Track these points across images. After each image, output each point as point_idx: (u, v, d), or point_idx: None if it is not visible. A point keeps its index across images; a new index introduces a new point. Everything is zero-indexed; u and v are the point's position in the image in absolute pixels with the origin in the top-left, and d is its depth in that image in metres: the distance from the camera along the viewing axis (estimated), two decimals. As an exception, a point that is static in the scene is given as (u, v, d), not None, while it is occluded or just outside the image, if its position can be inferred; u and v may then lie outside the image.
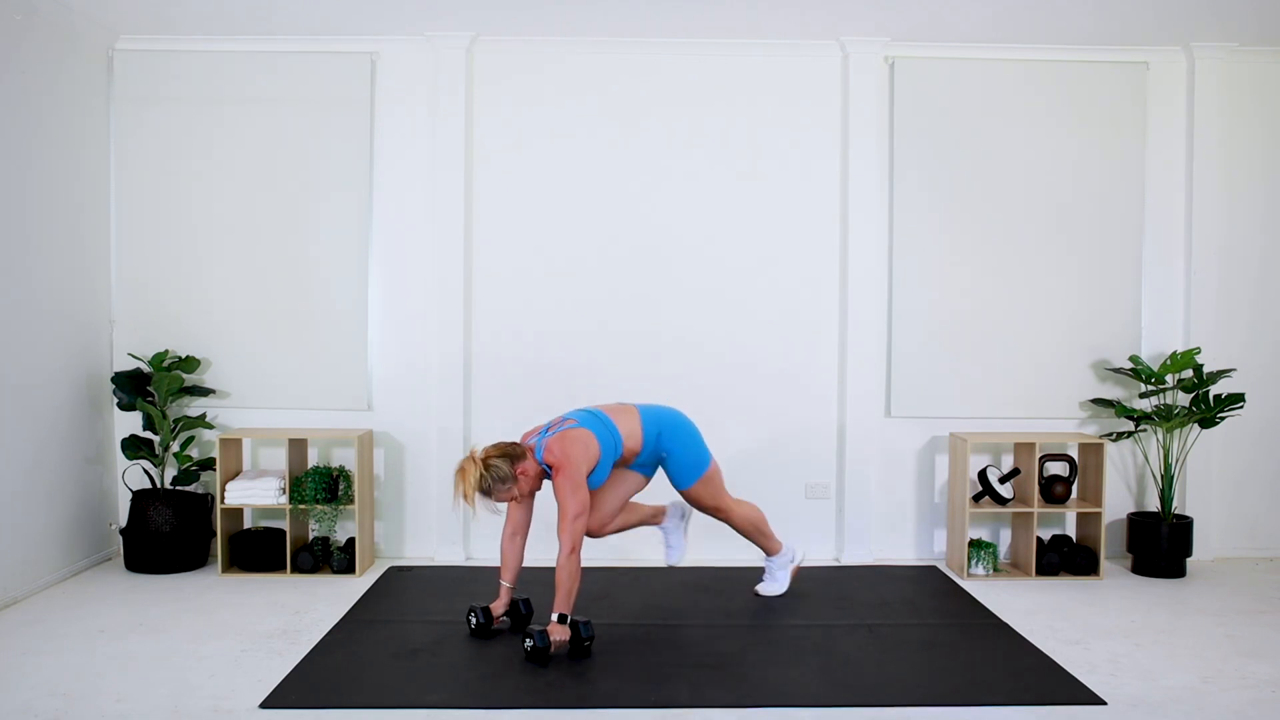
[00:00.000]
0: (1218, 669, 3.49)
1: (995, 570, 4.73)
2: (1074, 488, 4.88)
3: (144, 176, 4.95)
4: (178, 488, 4.76)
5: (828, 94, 5.01)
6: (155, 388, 4.68)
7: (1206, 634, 3.88)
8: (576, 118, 4.98)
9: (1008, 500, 4.75)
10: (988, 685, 3.31)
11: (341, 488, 4.69)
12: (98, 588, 4.42)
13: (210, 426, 4.92)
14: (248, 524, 4.94)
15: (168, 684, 3.27)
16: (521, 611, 3.90)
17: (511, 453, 3.67)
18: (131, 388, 4.76)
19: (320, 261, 4.98)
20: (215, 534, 4.72)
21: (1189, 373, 4.89)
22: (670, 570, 4.70)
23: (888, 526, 5.05)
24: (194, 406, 4.98)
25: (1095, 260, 5.03)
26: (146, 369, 4.86)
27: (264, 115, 4.95)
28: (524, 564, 3.99)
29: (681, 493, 4.05)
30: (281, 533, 4.75)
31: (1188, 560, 4.80)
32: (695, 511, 4.28)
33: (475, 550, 4.98)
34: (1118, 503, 5.05)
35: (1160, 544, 4.71)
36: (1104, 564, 4.70)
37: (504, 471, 3.62)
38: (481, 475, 3.58)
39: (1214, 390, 4.89)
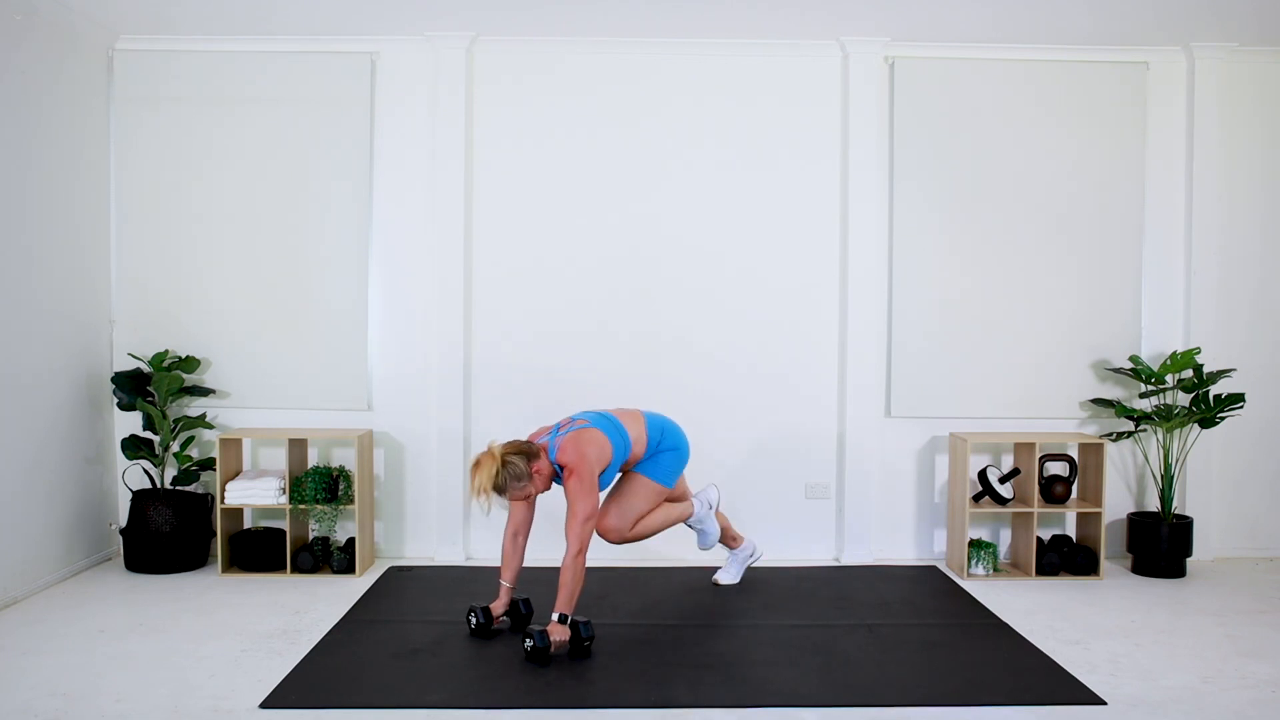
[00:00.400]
0: (1218, 669, 3.49)
1: (995, 570, 4.73)
2: (1074, 488, 4.88)
3: (144, 176, 4.95)
4: (178, 488, 4.76)
5: (828, 94, 5.01)
6: (155, 388, 4.68)
7: (1206, 634, 3.88)
8: (577, 118, 4.98)
9: (1008, 500, 4.75)
10: (988, 685, 3.31)
11: (341, 488, 4.69)
12: (98, 588, 4.42)
13: (210, 426, 4.92)
14: (248, 524, 4.94)
15: (168, 684, 3.27)
16: (521, 611, 3.90)
17: (528, 451, 3.66)
18: (131, 388, 4.76)
19: (320, 261, 4.98)
20: (215, 534, 4.72)
21: (1189, 373, 4.89)
22: (670, 570, 4.71)
23: (888, 526, 5.05)
24: (194, 406, 4.98)
25: (1095, 260, 5.03)
26: (146, 369, 4.86)
27: (264, 115, 4.95)
28: (524, 564, 3.99)
29: (635, 474, 4.00)
30: (281, 533, 4.75)
31: (1188, 560, 4.80)
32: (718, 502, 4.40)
33: (475, 550, 4.98)
34: (1118, 503, 5.05)
35: (1160, 544, 4.71)
36: (1104, 564, 4.70)
37: (521, 469, 3.61)
38: (498, 471, 3.57)
39: (1214, 390, 4.89)
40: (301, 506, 4.67)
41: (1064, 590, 4.50)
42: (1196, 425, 4.81)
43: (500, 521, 4.07)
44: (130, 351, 4.90)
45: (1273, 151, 5.06)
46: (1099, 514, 4.68)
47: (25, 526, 4.29)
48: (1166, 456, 4.78)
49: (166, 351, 4.86)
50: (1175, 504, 4.98)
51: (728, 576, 4.47)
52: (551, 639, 3.46)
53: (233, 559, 4.70)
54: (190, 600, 4.23)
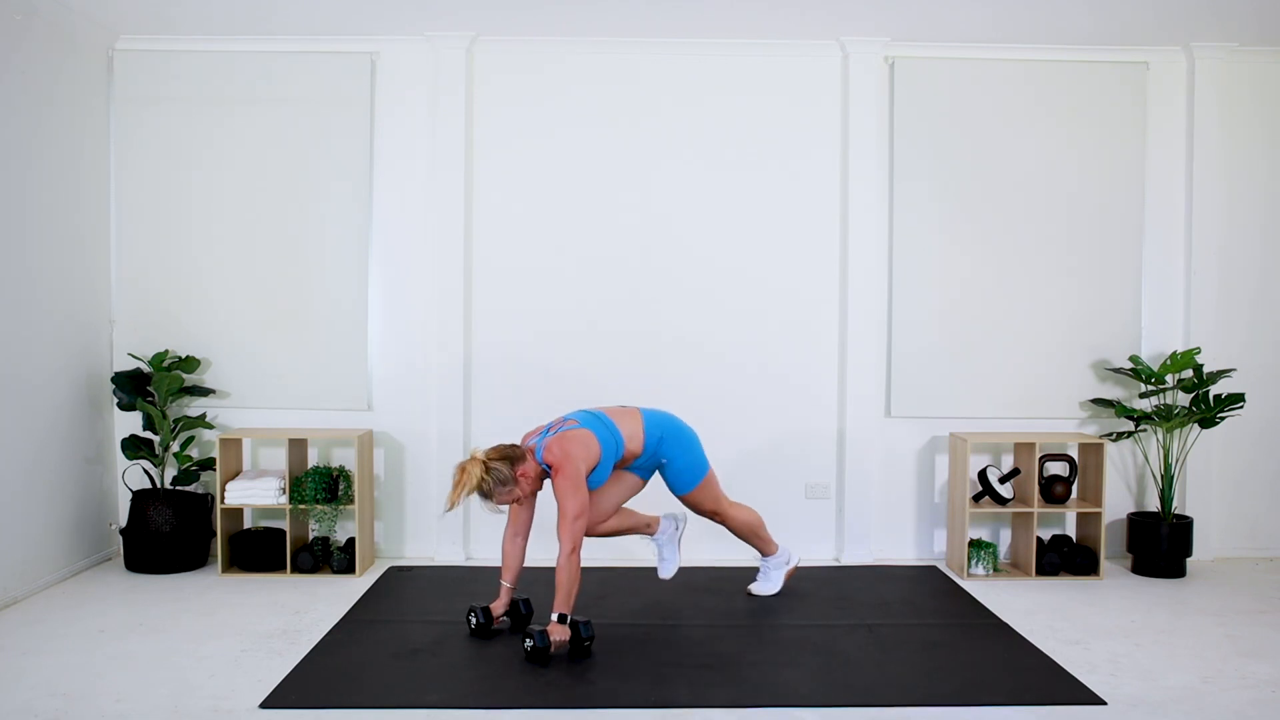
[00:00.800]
0: (1218, 669, 3.49)
1: (995, 570, 4.73)
2: (1074, 488, 4.88)
3: (144, 176, 4.95)
4: (178, 488, 4.76)
5: (828, 94, 5.01)
6: (155, 388, 4.68)
7: (1206, 634, 3.88)
8: (576, 118, 4.98)
9: (1008, 500, 4.75)
10: (988, 685, 3.31)
11: (341, 488, 4.69)
12: (98, 588, 4.42)
13: (210, 426, 4.92)
14: (248, 524, 4.94)
15: (168, 684, 3.27)
16: (521, 611, 3.90)
17: (511, 455, 3.67)
18: (131, 388, 4.76)
19: (320, 261, 4.98)
20: (215, 534, 4.72)
21: (1189, 373, 4.89)
22: (670, 570, 4.70)
23: (888, 526, 5.05)
24: (194, 406, 4.98)
25: (1095, 260, 5.03)
26: (146, 369, 4.86)
27: (264, 115, 4.95)
28: (524, 564, 3.99)
29: (680, 498, 4.05)
30: (281, 533, 4.75)
31: (1188, 560, 4.80)
32: (690, 521, 4.30)
33: (475, 550, 4.98)
34: (1118, 503, 5.05)
35: (1160, 544, 4.71)
36: (1104, 564, 4.70)
37: (504, 474, 3.62)
38: (482, 478, 3.58)
39: (1214, 390, 4.89)
40: (301, 506, 4.67)
41: (1064, 590, 4.50)
42: (1196, 425, 4.81)
43: (500, 521, 4.07)
44: (130, 351, 4.90)
45: (1273, 151, 5.06)
46: (1099, 514, 4.68)
47: (25, 526, 4.29)
48: (1166, 456, 4.78)
49: (166, 351, 4.86)
50: (1175, 504, 4.98)
51: (767, 586, 4.31)
52: (551, 639, 3.46)
53: (233, 559, 4.70)
54: (190, 600, 4.23)
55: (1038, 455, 4.67)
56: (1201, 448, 4.97)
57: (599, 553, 4.63)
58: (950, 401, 5.02)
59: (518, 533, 3.87)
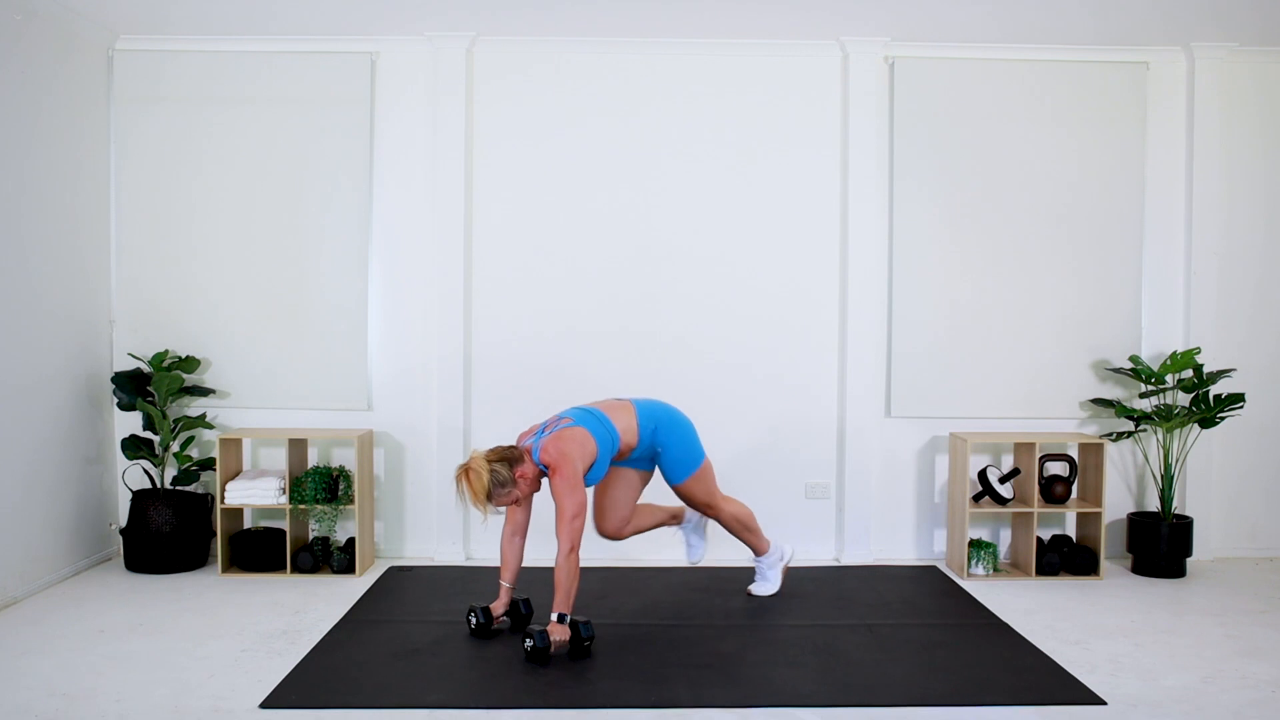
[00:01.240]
0: (1218, 669, 3.49)
1: (995, 570, 4.73)
2: (1074, 488, 4.88)
3: (144, 176, 4.95)
4: (178, 488, 4.76)
5: (828, 94, 5.01)
6: (155, 388, 4.68)
7: (1206, 634, 3.88)
8: (577, 118, 4.98)
9: (1008, 500, 4.75)
10: (988, 685, 3.31)
11: (341, 488, 4.70)
12: (98, 588, 4.42)
13: (210, 426, 4.92)
14: (248, 524, 4.94)
15: (168, 684, 3.27)
16: (521, 611, 3.90)
17: (510, 456, 3.66)
18: (131, 388, 4.76)
19: (320, 261, 4.98)
20: (215, 534, 4.72)
21: (1189, 373, 4.89)
22: (670, 570, 4.70)
23: (888, 526, 5.05)
24: (194, 406, 4.98)
25: (1095, 260, 5.03)
26: (146, 369, 4.86)
27: (264, 115, 4.95)
28: (524, 564, 3.99)
29: (674, 488, 4.04)
30: (281, 533, 4.75)
31: (1188, 560, 4.80)
32: None
33: (475, 550, 4.98)
34: (1118, 503, 5.05)
35: (1160, 544, 4.71)
36: (1104, 564, 4.70)
37: (504, 476, 3.61)
38: (488, 480, 3.57)
39: (1214, 390, 4.89)
40: (301, 506, 4.67)
41: (1064, 590, 4.50)
42: (1196, 425, 4.81)
43: (499, 521, 4.07)
44: (130, 351, 4.90)
45: (1273, 151, 5.06)
46: (1099, 514, 4.68)
47: (25, 526, 4.29)
48: (1166, 456, 4.78)
49: (166, 351, 4.86)
50: (1175, 504, 4.98)
51: (766, 586, 4.32)
52: (551, 639, 3.47)
53: (233, 559, 4.70)
54: (190, 600, 4.23)
55: (1038, 455, 4.67)
56: (1201, 448, 4.97)
57: (599, 553, 4.63)
58: (950, 401, 5.02)
59: (515, 532, 3.87)
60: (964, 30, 4.78)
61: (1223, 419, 4.76)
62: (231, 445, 4.75)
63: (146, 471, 4.80)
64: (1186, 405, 4.87)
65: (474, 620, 3.79)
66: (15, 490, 4.23)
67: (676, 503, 4.28)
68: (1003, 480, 4.75)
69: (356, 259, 4.98)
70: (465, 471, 3.60)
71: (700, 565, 4.72)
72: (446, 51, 4.88)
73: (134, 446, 4.73)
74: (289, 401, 4.98)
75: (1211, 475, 5.03)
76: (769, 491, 4.98)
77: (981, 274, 5.02)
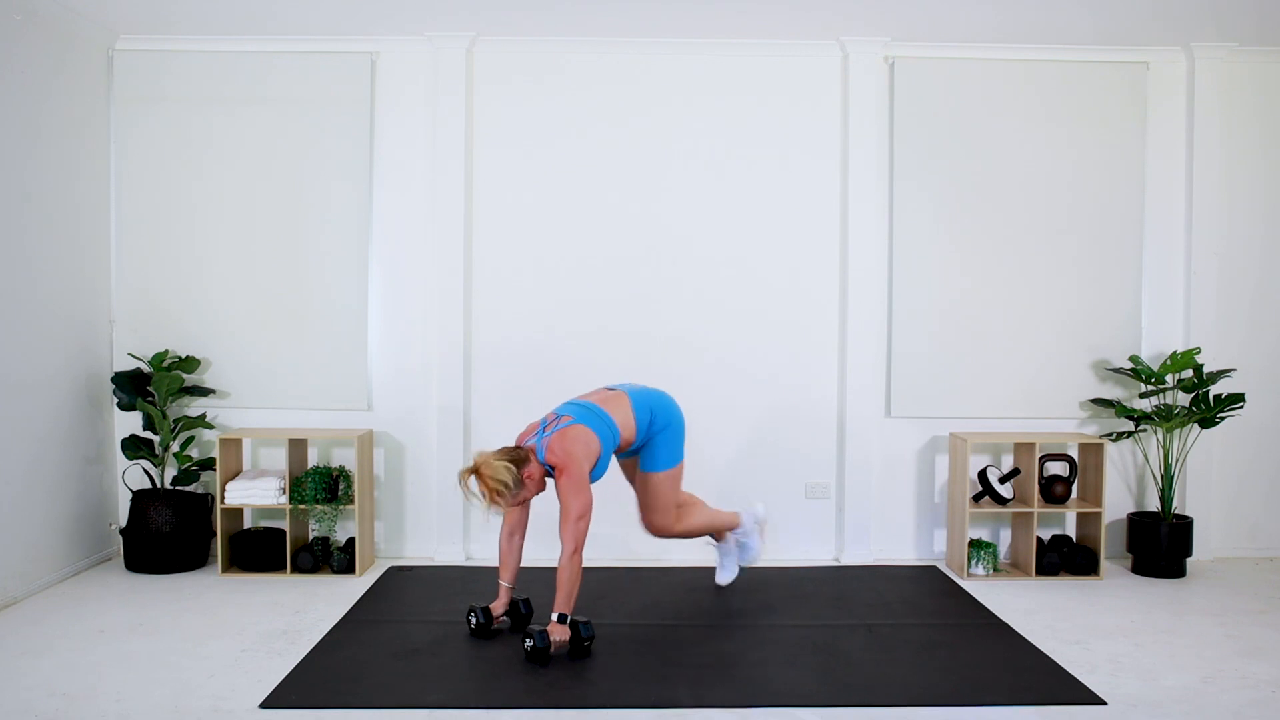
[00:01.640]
0: (1218, 669, 3.49)
1: (995, 570, 4.73)
2: (1074, 488, 4.88)
3: (144, 176, 4.95)
4: (178, 488, 4.76)
5: (828, 94, 5.01)
6: (155, 388, 4.68)
7: (1206, 634, 3.88)
8: (577, 118, 4.98)
9: (1008, 500, 4.75)
10: (988, 685, 3.31)
11: (341, 488, 4.70)
12: (98, 588, 4.42)
13: (210, 426, 4.92)
14: (248, 524, 4.94)
15: (168, 684, 3.27)
16: (521, 611, 3.90)
17: (516, 457, 3.63)
18: (131, 388, 4.76)
19: (320, 261, 4.98)
20: (215, 534, 4.72)
21: (1189, 373, 4.89)
22: (670, 570, 4.71)
23: (888, 526, 5.05)
24: (194, 406, 4.98)
25: (1095, 260, 5.03)
26: (146, 369, 4.86)
27: (264, 115, 4.95)
28: (523, 564, 3.99)
29: (646, 474, 3.97)
30: (281, 533, 4.75)
31: (1188, 560, 4.80)
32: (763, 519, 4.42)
33: (475, 550, 4.98)
34: (1118, 503, 5.05)
35: (1160, 544, 4.71)
36: (1104, 564, 4.70)
37: (514, 477, 3.60)
38: (505, 478, 3.54)
39: (1214, 390, 4.89)
40: (301, 506, 4.67)
41: (1064, 590, 4.50)
42: (1196, 425, 4.81)
43: (498, 521, 4.07)
44: (130, 351, 4.90)
45: (1273, 151, 5.06)
46: (1099, 514, 4.68)
47: (25, 526, 4.29)
48: (1166, 456, 4.78)
49: (166, 351, 4.86)
50: (1175, 504, 4.98)
51: (726, 575, 4.43)
52: (552, 639, 3.46)
53: (233, 559, 4.70)
54: (190, 600, 4.23)
55: (1038, 455, 4.67)
56: (1201, 448, 4.97)
57: (599, 553, 4.63)
58: (950, 401, 5.01)
59: (514, 531, 3.87)
60: (964, 30, 4.78)
61: (1223, 419, 4.76)
62: (231, 445, 4.75)
63: (146, 471, 4.80)
64: (1186, 405, 4.87)
65: (474, 620, 3.79)
66: (15, 490, 4.23)
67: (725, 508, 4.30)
68: (1003, 480, 4.75)
69: (356, 259, 4.98)
70: (477, 472, 3.54)
71: (700, 566, 4.72)
72: (446, 51, 4.88)
73: (134, 446, 4.73)
74: (289, 401, 4.98)
75: (1211, 475, 5.03)
76: (769, 491, 4.98)
77: (981, 274, 5.02)
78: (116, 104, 4.93)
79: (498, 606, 3.85)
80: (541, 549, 4.52)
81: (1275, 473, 5.11)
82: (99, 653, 3.56)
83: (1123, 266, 5.03)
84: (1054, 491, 4.73)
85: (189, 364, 4.84)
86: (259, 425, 4.98)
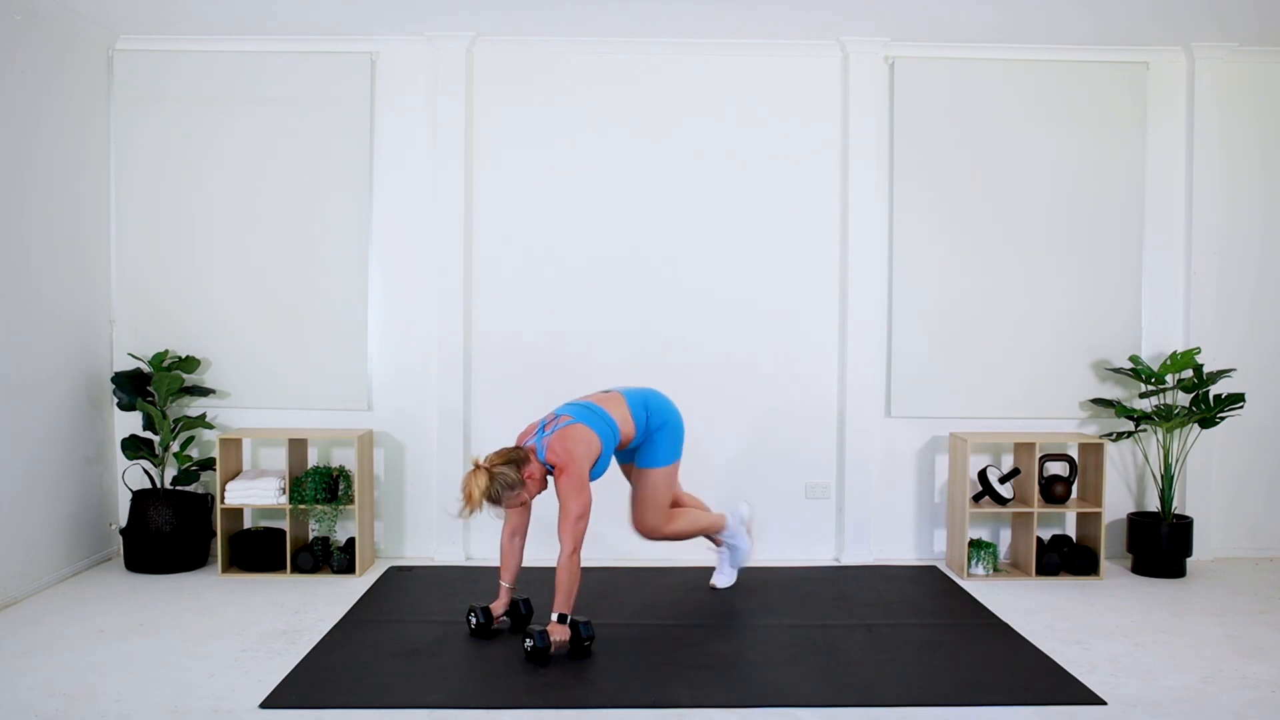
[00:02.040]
0: (1218, 669, 3.49)
1: (995, 570, 4.73)
2: (1074, 488, 4.88)
3: (144, 176, 4.95)
4: (178, 488, 4.76)
5: (828, 94, 5.01)
6: (155, 388, 4.68)
7: (1206, 634, 3.88)
8: (577, 118, 4.98)
9: (1008, 500, 4.75)
10: (988, 685, 3.31)
11: (341, 488, 4.70)
12: (98, 588, 4.42)
13: (210, 426, 4.92)
14: (248, 524, 4.94)
15: (168, 684, 3.27)
16: (521, 611, 3.90)
17: (516, 458, 3.63)
18: (131, 388, 4.76)
19: (320, 261, 4.98)
20: (215, 534, 4.72)
21: (1189, 373, 4.89)
22: (670, 570, 4.70)
23: (888, 526, 5.05)
24: (194, 406, 4.98)
25: (1095, 260, 5.03)
26: (146, 369, 4.86)
27: (264, 115, 4.95)
28: (523, 564, 3.99)
29: (643, 470, 3.97)
30: (281, 533, 4.75)
31: (1188, 560, 4.80)
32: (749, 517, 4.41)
33: (475, 550, 4.98)
34: (1118, 503, 5.05)
35: (1160, 544, 4.71)
36: (1104, 564, 4.70)
37: (511, 478, 3.58)
38: (488, 486, 3.54)
39: (1214, 390, 4.89)
40: (301, 506, 4.67)
41: (1064, 590, 4.50)
42: (1196, 425, 4.81)
43: (499, 522, 4.07)
44: (130, 351, 4.90)
45: (1273, 151, 5.06)
46: (1099, 514, 4.68)
47: (25, 526, 4.29)
48: (1166, 456, 4.78)
49: (166, 351, 4.86)
50: (1175, 504, 4.98)
51: (724, 580, 4.41)
52: (552, 639, 3.46)
53: (233, 559, 4.70)
54: (190, 600, 4.23)
55: (1038, 455, 4.67)
56: (1201, 448, 4.97)
57: (599, 553, 4.63)
58: (950, 401, 5.01)
59: (515, 532, 3.87)
60: (964, 30, 4.78)
61: (1223, 419, 4.76)
62: (231, 445, 4.75)
63: (146, 471, 4.80)
64: (1186, 405, 4.87)
65: (474, 620, 3.79)
66: (15, 490, 4.23)
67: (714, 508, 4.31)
68: (1003, 480, 4.75)
69: (356, 258, 4.98)
70: (469, 477, 3.56)
71: (700, 566, 4.72)
72: (446, 51, 4.88)
73: (134, 446, 4.73)
74: (289, 401, 4.98)
75: (1211, 475, 5.03)
76: (769, 491, 4.99)
77: (981, 273, 5.02)
78: (116, 104, 4.93)
79: (498, 606, 3.85)
80: (542, 549, 4.52)
81: (1275, 473, 5.11)
82: (99, 653, 3.56)
83: (1123, 266, 5.03)
84: (1054, 491, 4.73)
85: (189, 364, 4.84)
86: (259, 425, 4.98)
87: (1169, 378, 4.89)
